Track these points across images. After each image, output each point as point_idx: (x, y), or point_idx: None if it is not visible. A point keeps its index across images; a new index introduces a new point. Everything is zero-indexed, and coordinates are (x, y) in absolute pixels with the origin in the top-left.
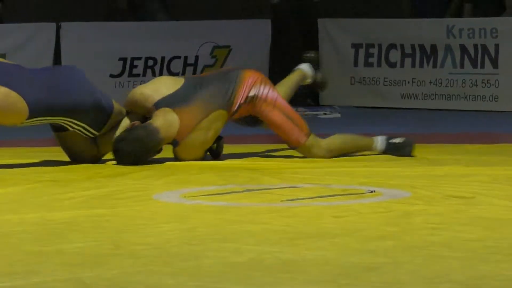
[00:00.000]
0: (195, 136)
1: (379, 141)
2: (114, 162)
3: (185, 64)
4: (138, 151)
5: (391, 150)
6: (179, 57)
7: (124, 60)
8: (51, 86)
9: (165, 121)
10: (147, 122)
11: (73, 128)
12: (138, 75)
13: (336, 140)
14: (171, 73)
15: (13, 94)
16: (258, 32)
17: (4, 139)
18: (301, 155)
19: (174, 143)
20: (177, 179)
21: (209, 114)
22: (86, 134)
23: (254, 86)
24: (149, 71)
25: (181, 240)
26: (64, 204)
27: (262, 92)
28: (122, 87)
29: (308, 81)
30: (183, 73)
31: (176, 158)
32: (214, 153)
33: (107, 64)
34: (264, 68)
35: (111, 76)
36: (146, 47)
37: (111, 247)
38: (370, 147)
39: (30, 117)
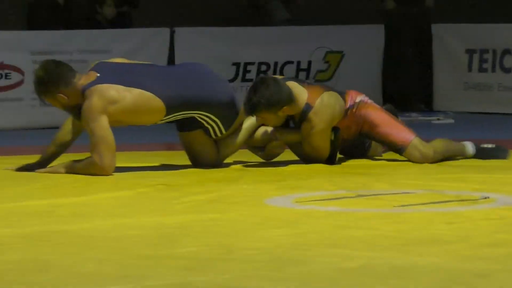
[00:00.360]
0: (326, 99)
1: (470, 147)
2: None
3: (298, 69)
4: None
5: (483, 155)
6: (292, 62)
7: (237, 65)
8: (185, 80)
9: (297, 88)
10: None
11: (207, 123)
12: (251, 80)
13: (439, 143)
14: None
15: (147, 94)
16: (371, 38)
17: (119, 143)
18: (407, 159)
19: (307, 107)
20: (289, 184)
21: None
22: (215, 133)
23: (358, 95)
24: None
25: (292, 245)
26: (176, 209)
27: (366, 100)
28: (235, 92)
29: None
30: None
31: (307, 128)
32: (332, 144)
33: (220, 69)
34: (377, 74)
35: None
36: (259, 52)
37: (222, 251)
38: (463, 152)
39: (167, 113)
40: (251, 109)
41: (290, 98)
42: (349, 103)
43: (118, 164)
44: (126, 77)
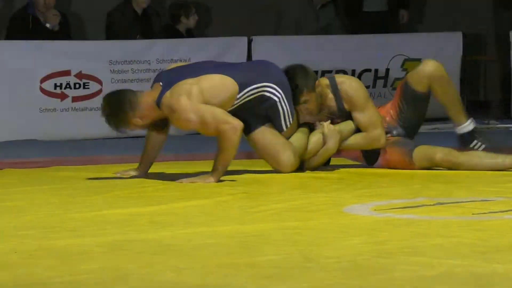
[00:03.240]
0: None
1: None
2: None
3: (376, 77)
4: None
5: None
6: (369, 70)
7: (315, 73)
8: (247, 66)
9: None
10: None
11: (275, 96)
12: None
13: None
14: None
15: (215, 75)
16: (449, 45)
17: (200, 152)
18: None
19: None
20: (367, 192)
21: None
22: (285, 121)
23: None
24: None
25: (371, 253)
26: (256, 217)
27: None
28: None
29: None
30: (374, 87)
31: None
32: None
33: None
34: (455, 81)
35: None
36: (336, 60)
37: (302, 260)
38: None
39: (240, 90)
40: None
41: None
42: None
43: (195, 171)
44: (189, 74)
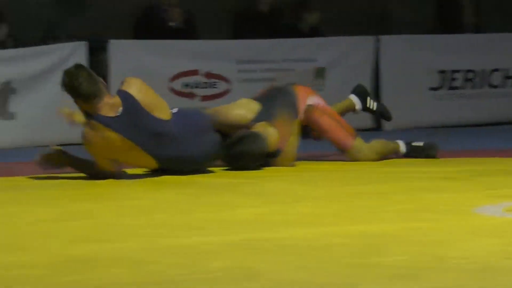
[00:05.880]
0: (292, 143)
1: (401, 145)
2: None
3: (505, 77)
4: (254, 153)
5: (414, 152)
6: (498, 70)
7: (443, 73)
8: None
9: (267, 132)
10: (251, 130)
11: None
12: (457, 88)
13: (377, 144)
14: (491, 87)
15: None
16: None
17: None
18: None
19: (277, 152)
20: (498, 192)
21: (293, 123)
22: None
23: (309, 96)
24: (468, 84)
25: (502, 254)
26: (382, 217)
27: (315, 101)
28: (441, 100)
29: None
30: (503, 87)
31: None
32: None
33: (426, 77)
34: None
35: (431, 89)
36: (465, 60)
37: (432, 260)
38: (397, 150)
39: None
40: None
41: None
42: (301, 111)
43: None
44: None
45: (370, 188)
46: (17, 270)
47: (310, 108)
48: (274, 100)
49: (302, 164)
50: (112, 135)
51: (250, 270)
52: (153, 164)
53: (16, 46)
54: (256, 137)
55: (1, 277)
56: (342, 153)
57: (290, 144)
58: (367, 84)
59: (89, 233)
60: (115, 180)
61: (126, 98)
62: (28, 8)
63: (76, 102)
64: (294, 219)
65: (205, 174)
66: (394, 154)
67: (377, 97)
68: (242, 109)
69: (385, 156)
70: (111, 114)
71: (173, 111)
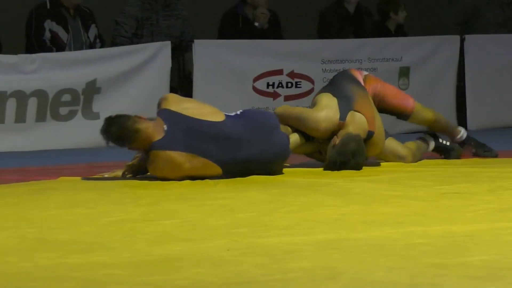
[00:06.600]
0: (379, 120)
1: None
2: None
3: None
4: (360, 158)
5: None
6: None
7: None
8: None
9: (356, 123)
10: (345, 132)
11: None
12: None
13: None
14: None
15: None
16: None
17: None
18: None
19: (370, 134)
20: None
21: (369, 98)
22: None
23: (360, 71)
24: None
25: None
26: (467, 217)
27: (369, 74)
28: None
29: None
30: None
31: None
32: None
33: (507, 77)
34: None
35: None
36: None
37: None
38: (454, 130)
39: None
40: None
41: None
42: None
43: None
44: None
45: (454, 188)
46: (102, 270)
47: (367, 77)
48: (341, 85)
49: (385, 165)
50: (171, 154)
51: (331, 270)
52: (217, 170)
53: (102, 46)
54: (360, 144)
55: (86, 277)
56: (404, 118)
57: (379, 122)
58: (452, 84)
59: (173, 233)
60: (200, 180)
61: (166, 114)
62: (114, 9)
63: (129, 148)
64: (377, 219)
65: (290, 174)
66: (450, 134)
67: (462, 96)
68: (327, 112)
69: (441, 126)
70: (160, 136)
71: (237, 113)
